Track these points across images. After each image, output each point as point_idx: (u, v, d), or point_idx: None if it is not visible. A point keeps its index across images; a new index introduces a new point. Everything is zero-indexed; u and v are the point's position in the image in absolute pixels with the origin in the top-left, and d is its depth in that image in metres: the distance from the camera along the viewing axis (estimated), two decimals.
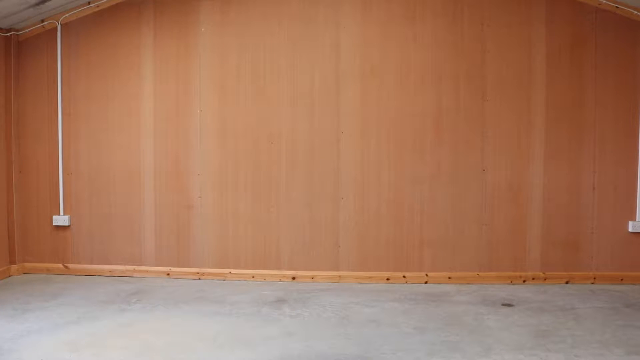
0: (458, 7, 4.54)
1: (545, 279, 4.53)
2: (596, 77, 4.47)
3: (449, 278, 4.58)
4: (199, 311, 3.85)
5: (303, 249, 4.69)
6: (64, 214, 4.91)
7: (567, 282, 4.52)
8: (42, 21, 4.83)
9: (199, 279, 4.76)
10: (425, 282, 4.59)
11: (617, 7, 4.43)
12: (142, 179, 4.82)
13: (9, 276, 4.84)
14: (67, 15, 4.80)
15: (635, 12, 4.41)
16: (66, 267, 4.93)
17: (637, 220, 4.48)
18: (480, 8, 4.53)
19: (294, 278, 4.68)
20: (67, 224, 4.91)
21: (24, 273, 4.95)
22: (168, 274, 4.80)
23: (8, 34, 4.80)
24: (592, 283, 4.50)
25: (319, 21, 4.63)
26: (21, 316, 3.71)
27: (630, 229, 4.49)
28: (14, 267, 4.88)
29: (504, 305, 3.96)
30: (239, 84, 4.71)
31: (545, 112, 4.50)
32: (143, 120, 4.79)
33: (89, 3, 4.79)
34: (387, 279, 4.61)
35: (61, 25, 4.83)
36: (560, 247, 4.54)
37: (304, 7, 4.64)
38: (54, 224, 4.92)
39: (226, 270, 4.75)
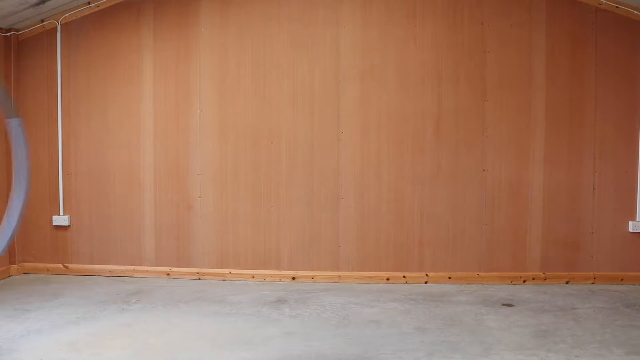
0: (458, 7, 4.54)
1: (545, 279, 4.53)
2: (596, 76, 4.47)
3: (449, 278, 4.58)
4: (199, 311, 3.85)
5: (303, 249, 4.69)
6: (64, 214, 4.90)
7: (567, 282, 4.52)
8: (42, 21, 4.83)
9: (199, 279, 4.76)
10: (425, 282, 4.59)
11: (617, 7, 4.43)
12: (142, 179, 4.82)
13: (9, 276, 4.84)
14: (67, 15, 4.80)
15: (635, 12, 4.41)
16: (66, 267, 4.93)
17: (637, 220, 4.48)
18: (480, 8, 4.52)
19: (294, 278, 4.68)
20: (67, 224, 4.91)
21: (24, 273, 4.95)
22: (168, 274, 4.80)
23: (8, 34, 4.80)
24: (592, 283, 4.50)
25: (318, 21, 4.63)
26: (21, 316, 3.71)
27: (630, 229, 4.48)
28: (13, 267, 4.88)
29: (504, 305, 3.96)
30: (239, 84, 4.71)
31: (545, 112, 4.50)
32: (143, 120, 4.79)
33: (88, 3, 4.78)
34: (387, 279, 4.61)
35: (61, 25, 4.83)
36: (560, 247, 4.54)
37: (303, 8, 4.64)
38: (54, 224, 4.92)
39: (226, 270, 4.75)
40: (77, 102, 4.88)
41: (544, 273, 4.55)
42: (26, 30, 4.85)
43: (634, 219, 4.49)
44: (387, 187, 4.61)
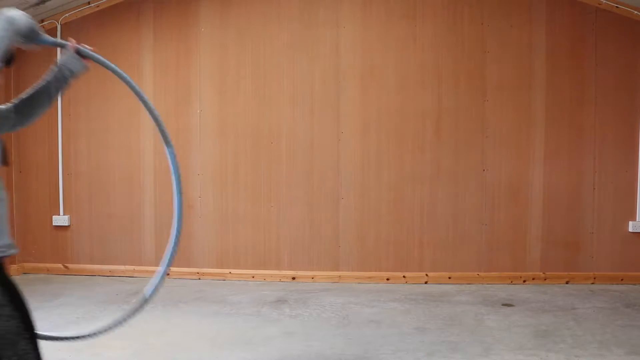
0: (458, 7, 4.54)
1: (545, 279, 4.53)
2: (596, 76, 4.47)
3: (449, 278, 4.58)
4: (199, 311, 3.85)
5: (303, 249, 4.69)
6: (64, 214, 4.90)
7: (567, 282, 4.52)
8: (42, 21, 4.83)
9: (199, 279, 4.76)
10: (425, 282, 4.59)
11: (617, 7, 4.43)
12: (142, 179, 4.82)
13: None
14: (67, 15, 4.80)
15: (635, 12, 4.41)
16: (66, 267, 4.93)
17: (637, 220, 4.48)
18: (480, 8, 4.52)
19: (294, 278, 4.68)
20: (67, 224, 4.91)
21: (24, 273, 4.95)
22: (168, 274, 4.78)
23: None
24: (592, 283, 4.50)
25: (319, 21, 4.63)
26: None
27: (630, 229, 4.48)
28: (13, 267, 4.88)
29: (504, 305, 3.96)
30: (239, 84, 4.71)
31: (545, 111, 4.50)
32: (143, 121, 4.78)
33: (89, 3, 4.79)
34: (387, 279, 4.61)
35: (61, 25, 4.82)
36: (560, 247, 4.53)
37: (304, 7, 4.64)
38: (54, 224, 4.92)
39: (226, 270, 4.75)
40: (77, 102, 4.87)
41: (544, 273, 4.55)
42: None
43: (634, 219, 4.49)
44: (387, 187, 4.61)
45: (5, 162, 1.80)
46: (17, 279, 4.76)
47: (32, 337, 1.67)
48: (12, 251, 1.75)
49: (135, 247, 4.85)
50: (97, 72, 5.01)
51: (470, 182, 4.56)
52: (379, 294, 4.29)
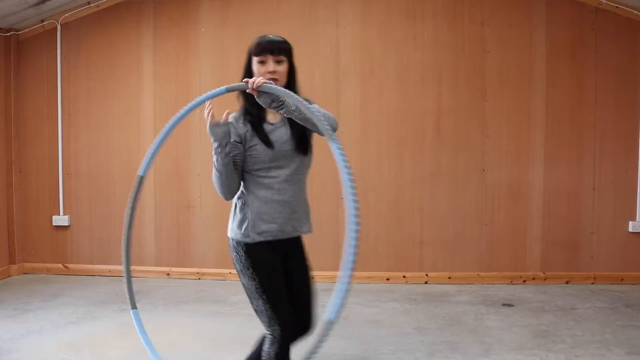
0: (458, 7, 4.54)
1: (545, 279, 4.53)
2: (596, 76, 4.47)
3: (449, 278, 4.58)
4: (199, 311, 3.85)
5: None
6: (64, 214, 4.90)
7: (567, 282, 4.52)
8: (42, 21, 4.83)
9: (199, 279, 4.76)
10: (425, 282, 4.59)
11: (617, 7, 4.43)
12: None
13: (9, 276, 4.84)
14: (67, 15, 4.80)
15: (636, 12, 4.41)
16: (66, 267, 4.93)
17: (637, 220, 4.48)
18: (480, 8, 4.52)
19: None
20: (67, 224, 4.91)
21: (24, 273, 4.94)
22: (168, 274, 4.80)
23: (8, 34, 4.79)
24: (592, 283, 4.50)
25: (318, 21, 4.62)
26: (21, 316, 3.71)
27: (630, 229, 4.48)
28: (13, 267, 4.88)
29: (504, 305, 3.96)
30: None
31: (545, 112, 4.50)
32: (143, 120, 4.79)
33: (88, 3, 4.78)
34: (387, 279, 4.61)
35: (61, 25, 4.82)
36: (560, 247, 4.53)
37: (304, 7, 4.63)
38: (53, 224, 4.92)
39: (226, 270, 4.74)
40: (77, 102, 4.87)
41: (544, 273, 4.55)
42: (26, 30, 4.85)
43: (634, 219, 4.49)
44: (387, 187, 4.61)
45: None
46: (17, 279, 4.78)
47: (269, 299, 2.12)
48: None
49: (135, 247, 4.84)
50: (97, 72, 5.03)
51: (470, 182, 4.56)
52: (379, 294, 4.29)
